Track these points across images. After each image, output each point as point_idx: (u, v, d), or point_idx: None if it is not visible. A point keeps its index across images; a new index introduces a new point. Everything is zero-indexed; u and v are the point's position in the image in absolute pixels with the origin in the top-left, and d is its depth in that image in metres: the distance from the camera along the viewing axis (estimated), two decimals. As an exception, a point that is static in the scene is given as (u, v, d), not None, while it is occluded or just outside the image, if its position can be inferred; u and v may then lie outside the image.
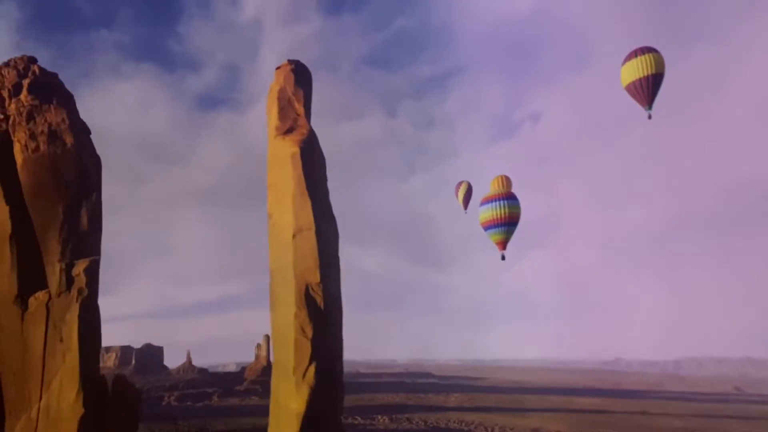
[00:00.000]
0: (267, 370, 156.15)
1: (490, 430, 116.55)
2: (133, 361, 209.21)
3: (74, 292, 27.20)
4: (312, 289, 33.91)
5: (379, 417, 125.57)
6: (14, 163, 32.36)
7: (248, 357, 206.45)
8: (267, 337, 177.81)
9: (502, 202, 61.26)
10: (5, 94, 38.81)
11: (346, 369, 37.78)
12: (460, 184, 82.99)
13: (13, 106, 38.09)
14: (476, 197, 75.60)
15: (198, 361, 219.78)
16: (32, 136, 36.86)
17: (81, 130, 38.35)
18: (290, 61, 41.65)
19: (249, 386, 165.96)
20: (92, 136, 39.47)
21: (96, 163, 38.36)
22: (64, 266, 28.03)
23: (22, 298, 28.11)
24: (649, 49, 51.22)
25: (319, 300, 33.76)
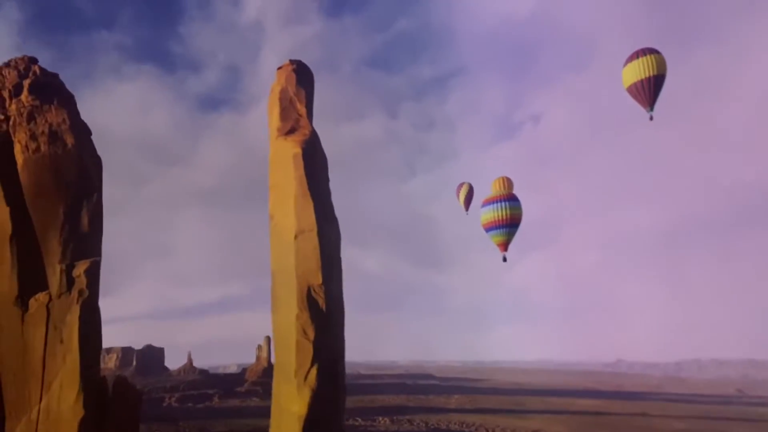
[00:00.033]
0: (268, 371, 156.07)
1: (490, 431, 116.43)
2: (134, 363, 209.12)
3: (75, 293, 27.08)
4: (314, 290, 33.62)
5: (380, 418, 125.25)
6: (15, 163, 32.19)
7: (249, 358, 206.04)
8: (268, 339, 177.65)
9: (503, 203, 61.23)
10: (6, 94, 38.73)
11: (346, 370, 37.49)
12: (461, 185, 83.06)
13: (13, 106, 38.01)
14: (477, 198, 75.68)
15: (199, 363, 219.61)
16: (33, 137, 36.78)
17: (82, 131, 38.28)
18: (292, 61, 41.13)
19: (250, 387, 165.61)
20: (93, 137, 39.51)
21: (97, 163, 38.30)
22: (64, 267, 27.89)
23: (23, 299, 27.98)
24: (650, 50, 50.89)
25: (321, 302, 33.47)
